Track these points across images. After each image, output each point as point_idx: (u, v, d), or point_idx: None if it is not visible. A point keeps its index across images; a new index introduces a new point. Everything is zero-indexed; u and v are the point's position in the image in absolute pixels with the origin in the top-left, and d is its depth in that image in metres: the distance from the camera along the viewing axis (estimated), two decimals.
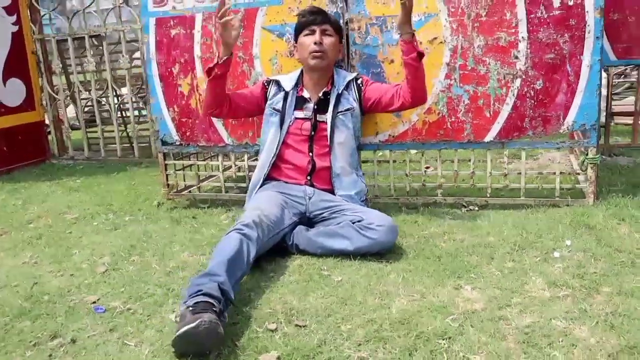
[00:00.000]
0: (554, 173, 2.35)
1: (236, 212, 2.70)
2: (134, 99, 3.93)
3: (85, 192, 3.35)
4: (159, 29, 2.62)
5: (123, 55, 3.85)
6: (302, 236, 2.08)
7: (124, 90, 4.33)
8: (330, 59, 2.21)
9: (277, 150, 2.26)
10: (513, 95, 2.24)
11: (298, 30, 2.23)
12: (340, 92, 2.24)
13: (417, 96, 2.13)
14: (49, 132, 4.38)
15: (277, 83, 2.32)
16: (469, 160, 2.44)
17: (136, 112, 4.37)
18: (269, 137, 2.29)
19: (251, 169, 2.72)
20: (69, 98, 4.39)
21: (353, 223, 2.00)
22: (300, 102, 2.27)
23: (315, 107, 2.25)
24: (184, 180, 3.01)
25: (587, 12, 2.10)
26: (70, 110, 5.16)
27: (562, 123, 2.22)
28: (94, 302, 1.84)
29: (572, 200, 2.33)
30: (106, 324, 1.68)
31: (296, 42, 2.28)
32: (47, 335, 1.63)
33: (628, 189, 2.49)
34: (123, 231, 2.56)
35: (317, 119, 2.25)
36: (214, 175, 3.24)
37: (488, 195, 2.42)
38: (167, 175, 2.85)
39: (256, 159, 2.68)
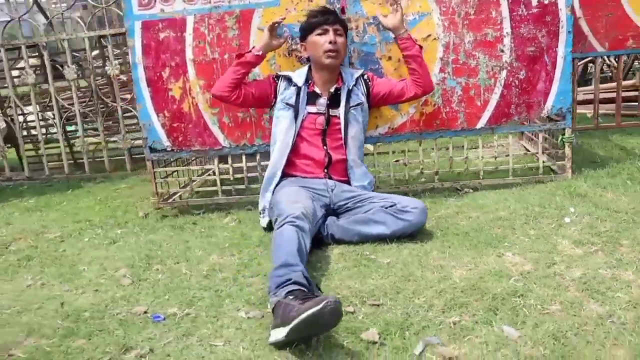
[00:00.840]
0: (536, 153, 2.65)
1: (238, 214, 2.67)
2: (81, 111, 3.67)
3: (49, 211, 3.10)
4: (145, 33, 2.54)
5: (68, 66, 3.60)
6: (337, 226, 2.14)
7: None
8: (342, 57, 2.31)
9: (293, 144, 2.31)
10: (500, 85, 2.49)
11: (308, 30, 2.29)
12: (350, 88, 2.34)
13: (427, 83, 2.35)
14: None
15: (287, 79, 2.36)
16: (462, 147, 2.66)
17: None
18: (282, 131, 2.32)
19: (250, 170, 2.71)
20: None
21: (385, 208, 2.10)
22: (312, 98, 2.33)
23: (328, 102, 2.33)
24: (169, 188, 2.92)
25: (560, 9, 2.41)
26: None
27: (543, 108, 2.52)
28: (145, 312, 1.76)
29: (553, 175, 2.64)
30: (175, 330, 1.62)
31: (303, 41, 2.34)
32: (117, 349, 1.54)
33: (589, 164, 2.85)
34: (124, 244, 2.43)
35: (330, 113, 2.33)
36: (194, 180, 3.18)
37: (481, 178, 2.65)
38: (156, 183, 2.75)
39: (252, 160, 2.70)
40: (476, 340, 1.43)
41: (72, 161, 4.05)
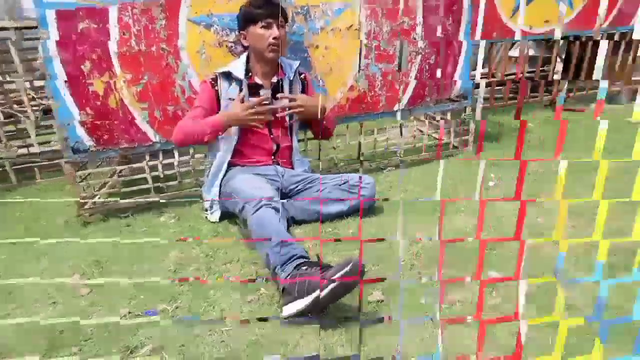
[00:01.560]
0: (449, 132, 2.97)
1: (174, 211, 2.56)
2: None
3: None
4: (61, 23, 2.31)
5: None
6: (295, 208, 2.21)
7: None
8: (284, 49, 2.35)
9: (239, 136, 2.30)
10: (415, 69, 2.76)
11: (251, 20, 2.26)
12: (291, 79, 2.39)
13: (324, 137, 2.54)
14: None
15: (226, 74, 2.31)
16: (384, 129, 2.88)
17: None
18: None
19: (181, 164, 2.63)
20: None
21: (339, 186, 2.22)
22: (254, 89, 2.34)
23: (271, 92, 2.36)
24: (91, 191, 2.69)
25: (463, 0, 2.74)
26: None
27: (452, 89, 2.84)
28: (130, 312, 1.67)
29: (460, 149, 2.99)
30: (176, 323, 1.58)
31: (243, 30, 2.32)
32: (122, 350, 1.46)
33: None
34: (56, 256, 2.20)
35: (273, 103, 2.36)
36: (107, 183, 2.96)
37: (401, 156, 2.90)
38: (79, 187, 2.52)
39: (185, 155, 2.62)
40: (470, 286, 1.63)
41: None
